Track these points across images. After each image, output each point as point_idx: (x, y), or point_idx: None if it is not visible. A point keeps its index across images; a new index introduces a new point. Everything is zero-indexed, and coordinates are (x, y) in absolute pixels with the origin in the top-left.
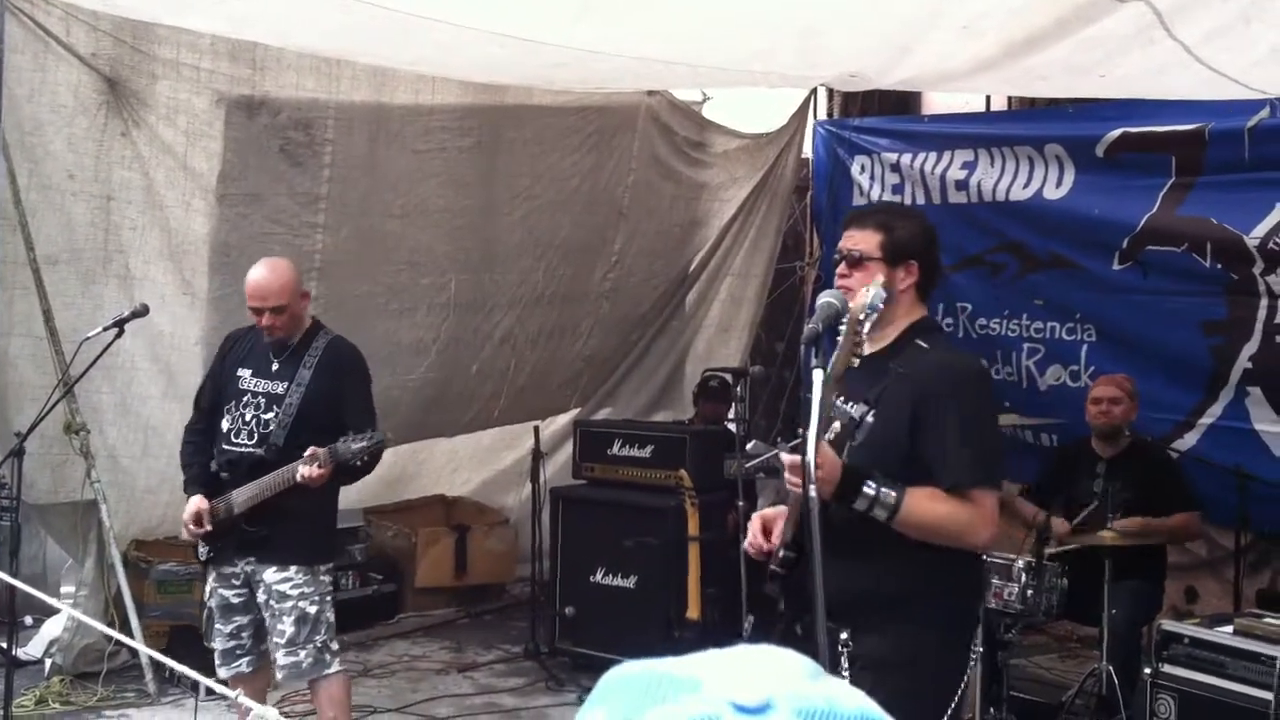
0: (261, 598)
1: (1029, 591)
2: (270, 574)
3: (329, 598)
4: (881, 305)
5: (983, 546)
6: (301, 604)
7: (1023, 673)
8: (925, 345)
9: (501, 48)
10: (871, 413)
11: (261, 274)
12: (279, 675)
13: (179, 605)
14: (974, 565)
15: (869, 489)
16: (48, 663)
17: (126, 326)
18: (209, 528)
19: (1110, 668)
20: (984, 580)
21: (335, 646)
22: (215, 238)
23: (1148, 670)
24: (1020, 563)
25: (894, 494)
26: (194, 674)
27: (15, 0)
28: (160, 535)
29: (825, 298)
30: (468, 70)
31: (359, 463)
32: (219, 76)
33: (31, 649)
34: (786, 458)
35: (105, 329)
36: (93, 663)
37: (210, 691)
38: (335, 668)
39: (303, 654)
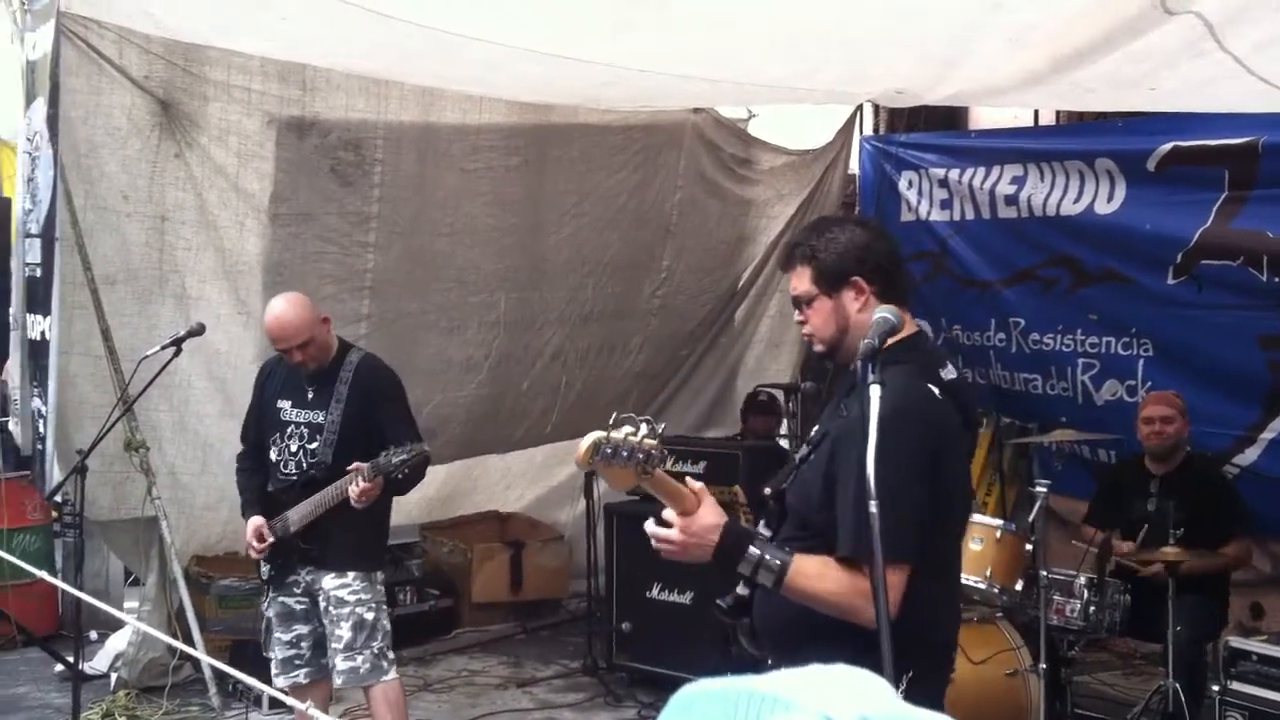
0: (321, 605)
1: (1091, 608)
2: (329, 580)
3: (384, 605)
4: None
5: (868, 624)
6: (359, 610)
7: (1087, 690)
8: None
9: (547, 67)
10: (805, 456)
11: (277, 315)
12: (338, 681)
13: (240, 620)
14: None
15: (751, 555)
16: (113, 677)
17: (183, 345)
18: (271, 539)
19: (1176, 685)
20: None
21: (391, 655)
22: (268, 257)
23: (1215, 687)
24: (1081, 579)
25: (777, 563)
26: (258, 683)
27: (70, 25)
28: (220, 551)
29: (880, 313)
30: (514, 89)
31: (401, 475)
32: (269, 98)
33: (97, 663)
34: (649, 527)
35: (163, 348)
36: (157, 677)
37: (273, 705)
38: (392, 675)
39: (360, 659)
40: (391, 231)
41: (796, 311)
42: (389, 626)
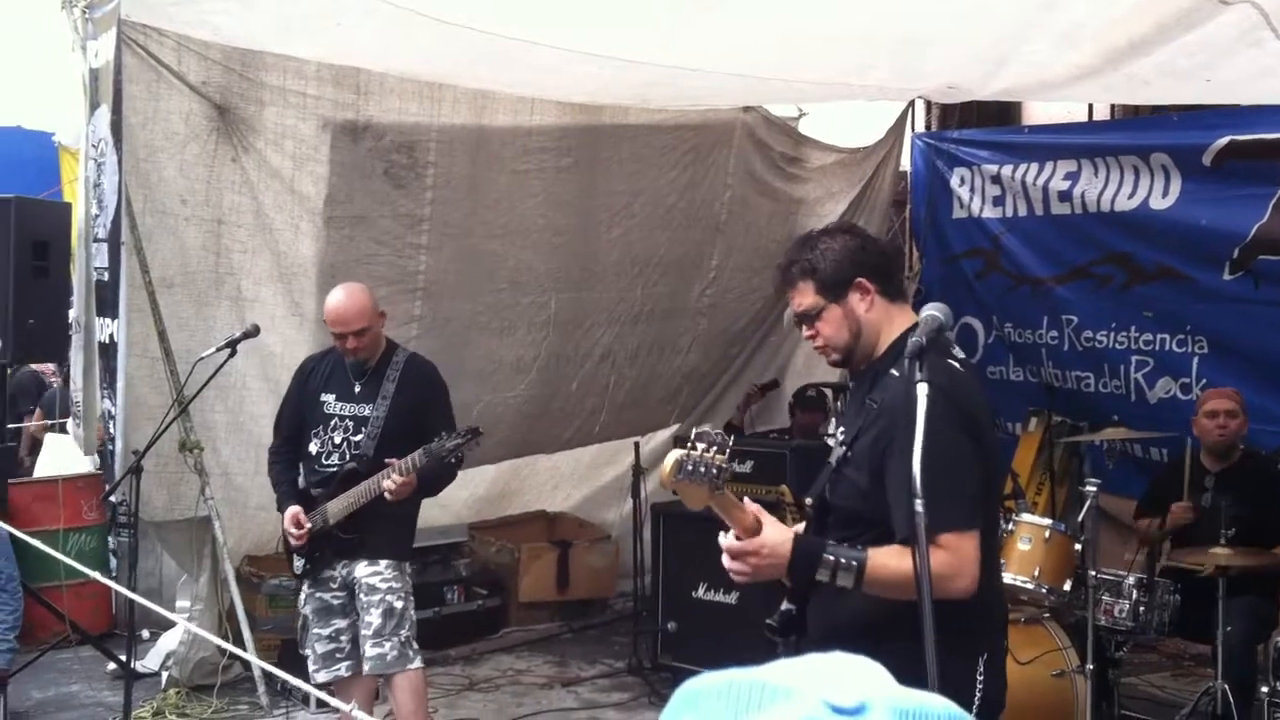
0: (355, 594)
1: (1140, 608)
2: (361, 568)
3: (411, 596)
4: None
5: (961, 595)
6: (389, 598)
7: (1134, 691)
8: (896, 373)
9: (599, 68)
10: (844, 456)
11: (340, 300)
12: (366, 667)
13: (290, 619)
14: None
15: (827, 560)
16: (164, 675)
17: (238, 347)
18: (309, 525)
19: (1225, 686)
20: (989, 584)
21: (416, 645)
22: (322, 259)
23: (1265, 689)
24: (1130, 579)
25: (855, 562)
26: (306, 686)
27: (130, 32)
28: (272, 551)
29: (929, 310)
30: (566, 91)
31: (455, 459)
32: (324, 102)
33: (149, 662)
34: (724, 541)
35: (218, 349)
36: (207, 675)
37: (320, 705)
38: (417, 663)
39: (388, 645)
40: (443, 233)
41: (805, 328)
42: (415, 617)
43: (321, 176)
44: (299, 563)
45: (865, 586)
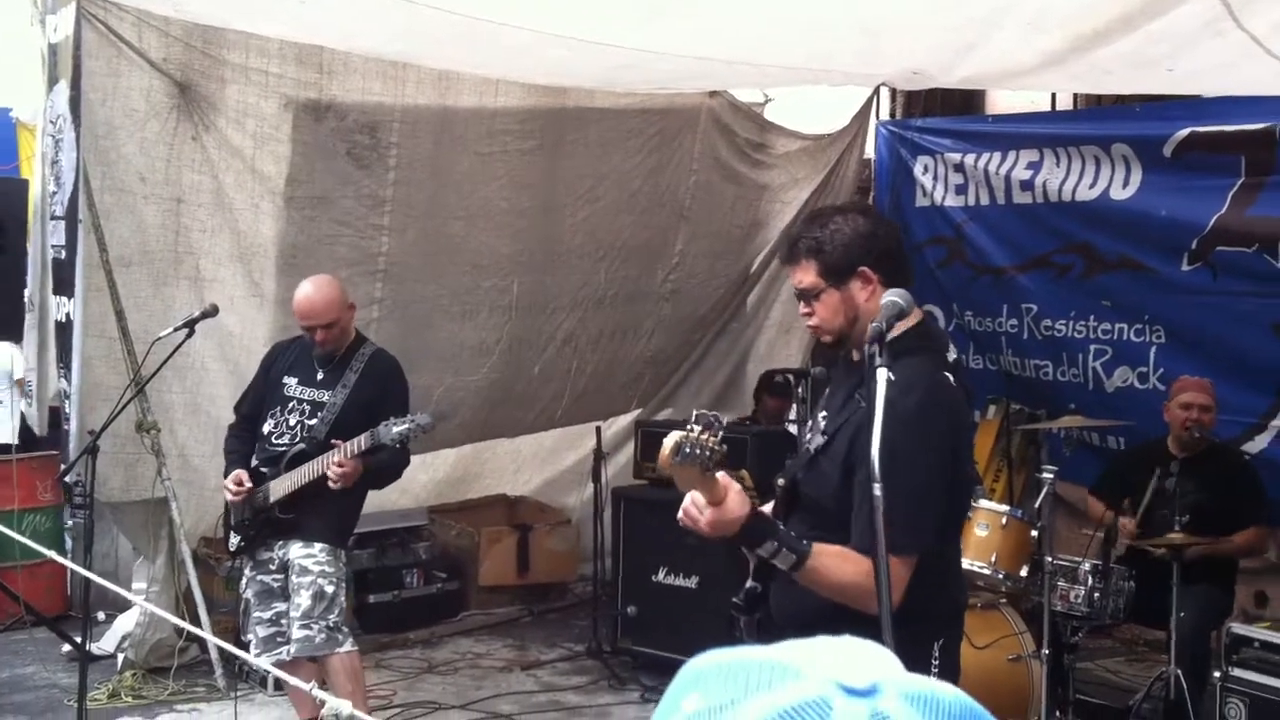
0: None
1: (1095, 594)
2: (296, 549)
3: (344, 583)
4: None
5: (870, 613)
6: (320, 581)
7: (1090, 676)
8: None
9: (566, 50)
10: (823, 446)
11: (309, 293)
12: (293, 648)
13: None
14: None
15: (771, 543)
16: (120, 657)
17: (197, 327)
18: (249, 485)
19: (1179, 671)
20: (950, 572)
21: (346, 629)
22: (283, 240)
23: (1217, 674)
24: (1086, 565)
25: (794, 556)
26: (267, 665)
27: (90, 7)
28: (218, 531)
29: (890, 296)
30: (532, 73)
31: (399, 444)
32: (286, 81)
33: (104, 644)
34: (693, 495)
35: (176, 329)
36: (164, 658)
37: (279, 687)
38: (348, 645)
39: (315, 629)
40: (406, 215)
41: (802, 304)
42: (344, 604)
43: (283, 156)
44: (234, 540)
45: (801, 576)
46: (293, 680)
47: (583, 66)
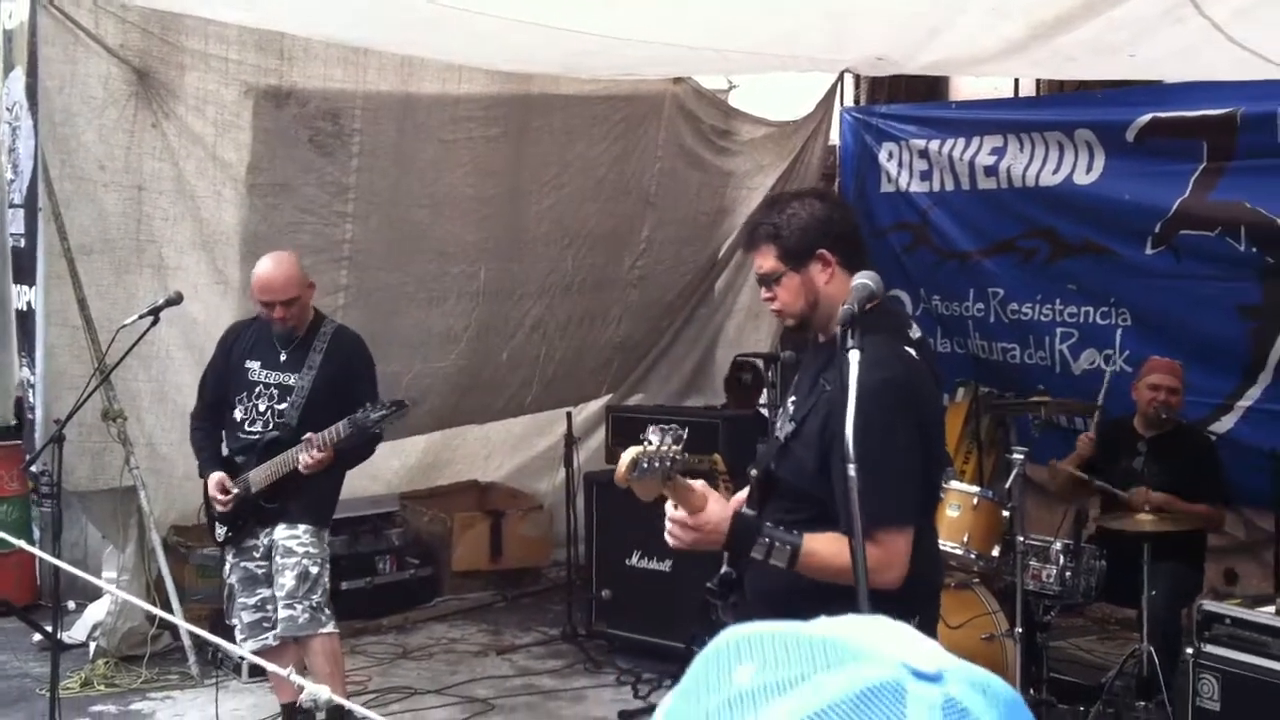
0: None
1: (1067, 573)
2: (280, 530)
3: (328, 564)
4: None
5: (887, 587)
6: (305, 561)
7: (1062, 654)
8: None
9: (533, 36)
10: (794, 432)
11: (269, 269)
12: (278, 629)
13: (219, 589)
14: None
15: (763, 542)
16: (92, 646)
17: (161, 315)
18: (235, 490)
19: (1151, 649)
20: (926, 550)
21: (330, 610)
22: (245, 227)
23: (1190, 650)
24: (1057, 545)
25: (788, 547)
26: (242, 650)
27: None
28: (199, 520)
29: (859, 279)
30: (496, 59)
31: (379, 430)
32: (247, 67)
33: (75, 633)
34: (670, 512)
35: (140, 317)
36: (136, 646)
37: (253, 673)
38: (330, 627)
39: (299, 608)
40: (370, 202)
41: (764, 289)
42: (328, 585)
43: (244, 143)
44: (220, 530)
45: (798, 569)
46: (270, 666)
47: (547, 52)
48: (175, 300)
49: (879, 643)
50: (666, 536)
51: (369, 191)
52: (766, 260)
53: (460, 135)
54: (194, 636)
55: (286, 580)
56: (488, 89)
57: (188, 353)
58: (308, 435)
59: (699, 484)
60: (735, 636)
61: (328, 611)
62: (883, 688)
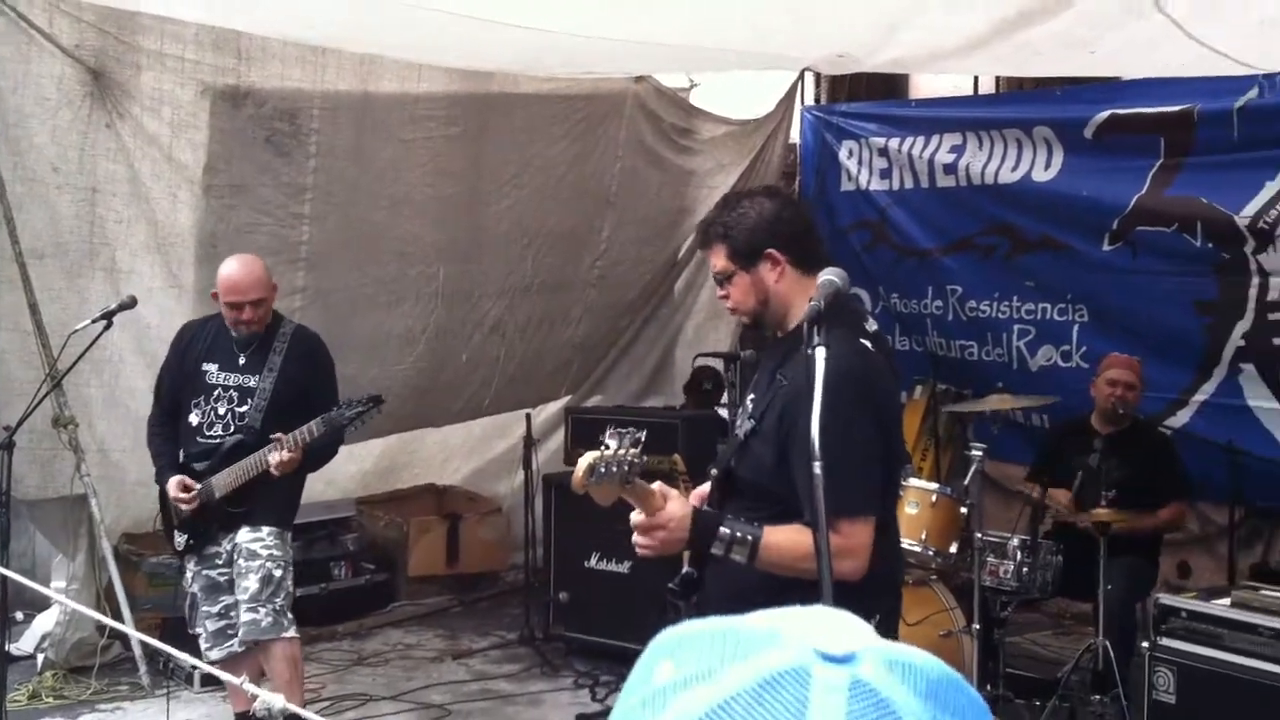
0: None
1: (1024, 569)
2: (243, 533)
3: (291, 568)
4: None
5: (848, 577)
6: (269, 565)
7: (1018, 650)
8: (807, 350)
9: (492, 33)
10: (753, 429)
11: (236, 270)
12: (240, 632)
13: (171, 597)
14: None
15: (723, 535)
16: (40, 657)
17: (114, 319)
18: (198, 488)
19: (1106, 643)
20: (888, 546)
21: (291, 615)
22: (201, 229)
23: (1146, 644)
24: (1015, 540)
25: (749, 539)
26: (194, 660)
27: None
28: (151, 528)
29: (826, 276)
30: (455, 57)
31: (355, 429)
32: (203, 67)
33: (23, 644)
34: (635, 518)
35: (93, 321)
36: (85, 657)
37: (204, 683)
38: (292, 632)
39: (262, 612)
40: (327, 203)
41: (719, 288)
42: (292, 589)
43: (200, 144)
44: (180, 538)
45: (758, 563)
46: (224, 676)
47: (507, 51)
48: (129, 304)
49: (794, 629)
50: (635, 543)
51: (326, 192)
52: (718, 259)
53: (419, 135)
54: (145, 646)
55: (250, 583)
56: (447, 88)
57: (140, 358)
58: (277, 435)
59: (657, 485)
60: (662, 637)
61: (290, 616)
62: (786, 674)
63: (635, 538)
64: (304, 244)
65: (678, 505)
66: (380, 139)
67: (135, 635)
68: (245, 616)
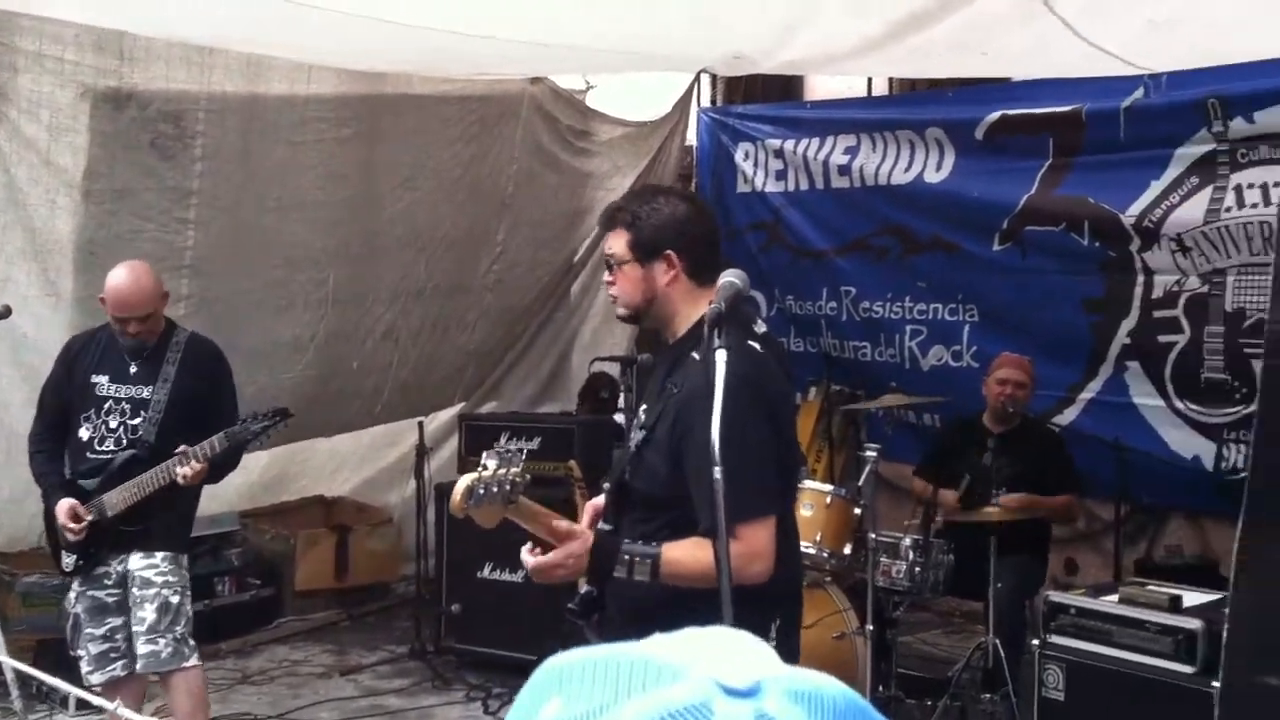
0: (127, 588)
1: (916, 569)
2: (136, 560)
3: (189, 591)
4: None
5: (756, 580)
6: (165, 592)
7: (910, 649)
8: (696, 356)
9: (381, 32)
10: (645, 439)
11: (125, 282)
12: (139, 665)
13: (47, 618)
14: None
15: (623, 561)
16: None
17: None
18: (89, 518)
19: (996, 641)
20: (787, 549)
21: (193, 642)
22: (81, 236)
23: (1035, 641)
24: (907, 540)
25: (648, 561)
26: (65, 685)
27: None
28: (26, 546)
29: (727, 277)
30: (346, 57)
31: (261, 442)
32: (84, 68)
33: None
34: (528, 561)
35: None
36: None
37: (80, 706)
38: (194, 661)
39: (162, 643)
40: (213, 208)
41: (606, 272)
42: (191, 612)
43: (81, 148)
44: (69, 559)
45: (661, 579)
46: (100, 701)
47: (400, 51)
48: (3, 314)
49: (693, 659)
50: (531, 573)
51: (213, 196)
52: (618, 244)
53: (309, 137)
54: (17, 670)
55: (147, 614)
56: (338, 89)
57: (15, 369)
58: (182, 448)
59: (563, 524)
60: (549, 667)
61: (191, 643)
62: (686, 710)
63: (536, 578)
64: (189, 250)
65: (578, 545)
66: (269, 141)
67: (7, 661)
68: (144, 649)
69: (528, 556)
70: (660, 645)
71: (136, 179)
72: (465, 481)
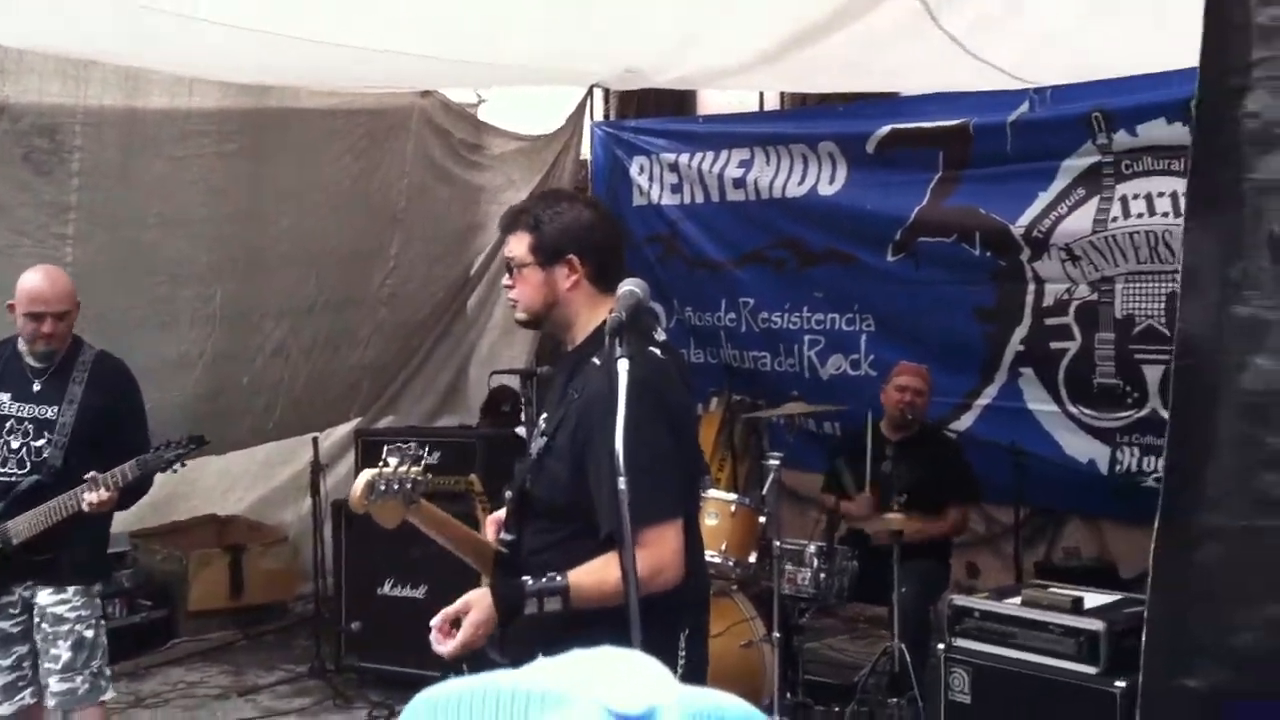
0: (35, 621)
1: (821, 575)
2: (45, 596)
3: (102, 620)
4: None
5: (667, 587)
6: (79, 628)
7: (816, 656)
8: (597, 362)
9: (264, 45)
10: (546, 446)
11: (40, 279)
12: (51, 702)
13: None
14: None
15: (531, 601)
16: None
17: None
18: None
19: (902, 645)
20: (694, 559)
21: (108, 672)
22: None
23: (940, 645)
24: (812, 548)
25: (558, 595)
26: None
27: None
28: None
29: (626, 286)
30: (228, 71)
31: (175, 470)
32: None
33: None
34: (443, 648)
35: None
36: None
37: None
38: (109, 694)
39: (79, 680)
40: (92, 223)
41: (507, 275)
42: (105, 642)
43: None
44: None
45: (574, 605)
46: None
47: (285, 64)
48: None
49: (580, 684)
50: (450, 646)
51: (91, 212)
52: (519, 247)
53: (191, 151)
54: None
55: (61, 652)
56: (221, 103)
57: None
58: (92, 474)
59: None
60: (423, 699)
61: (108, 674)
62: None
63: (444, 650)
64: (68, 265)
65: (479, 608)
66: (149, 156)
67: None
68: (58, 686)
69: (441, 647)
70: (544, 671)
71: (11, 194)
72: (366, 476)
